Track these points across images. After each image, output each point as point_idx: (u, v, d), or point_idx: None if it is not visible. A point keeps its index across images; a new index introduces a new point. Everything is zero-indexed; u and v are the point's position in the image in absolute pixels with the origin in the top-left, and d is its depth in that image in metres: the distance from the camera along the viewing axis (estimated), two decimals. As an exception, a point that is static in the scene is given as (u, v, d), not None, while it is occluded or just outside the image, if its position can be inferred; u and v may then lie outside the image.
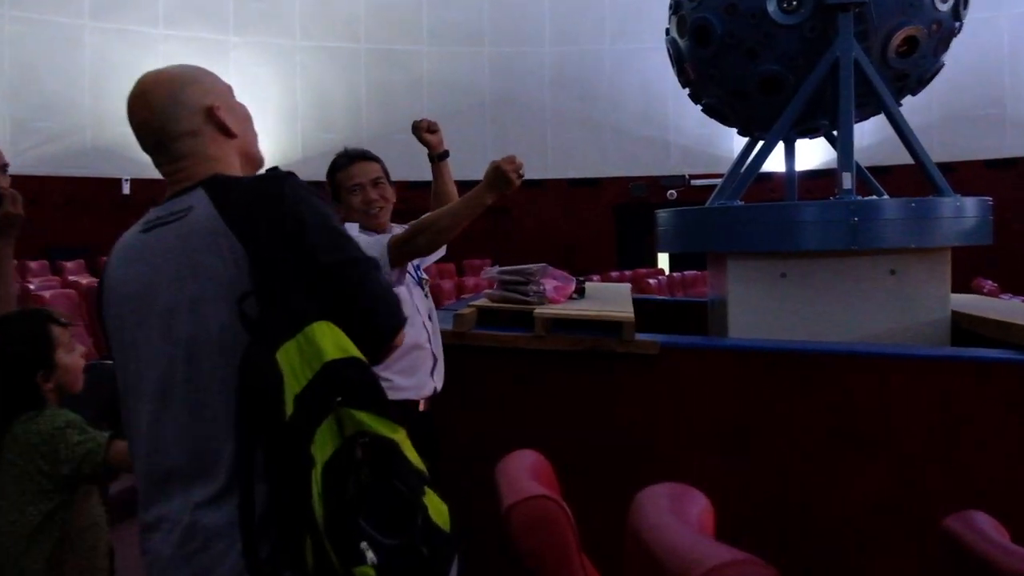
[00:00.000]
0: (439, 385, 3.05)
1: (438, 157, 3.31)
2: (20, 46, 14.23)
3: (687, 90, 4.91)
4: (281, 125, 16.27)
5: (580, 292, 4.21)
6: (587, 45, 17.60)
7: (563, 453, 3.37)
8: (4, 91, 14.41)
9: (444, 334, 3.31)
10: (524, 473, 1.84)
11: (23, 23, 14.26)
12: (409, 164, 17.47)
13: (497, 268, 3.85)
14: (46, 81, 14.32)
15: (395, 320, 1.51)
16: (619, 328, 3.33)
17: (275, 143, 15.95)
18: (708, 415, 3.32)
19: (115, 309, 1.58)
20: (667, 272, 14.94)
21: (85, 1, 14.85)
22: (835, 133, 4.36)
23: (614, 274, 13.74)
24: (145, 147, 1.63)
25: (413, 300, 3.01)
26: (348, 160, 3.01)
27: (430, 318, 3.09)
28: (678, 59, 4.75)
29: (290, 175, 1.52)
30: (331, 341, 1.37)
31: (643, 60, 16.90)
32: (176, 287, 1.47)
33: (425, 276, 3.24)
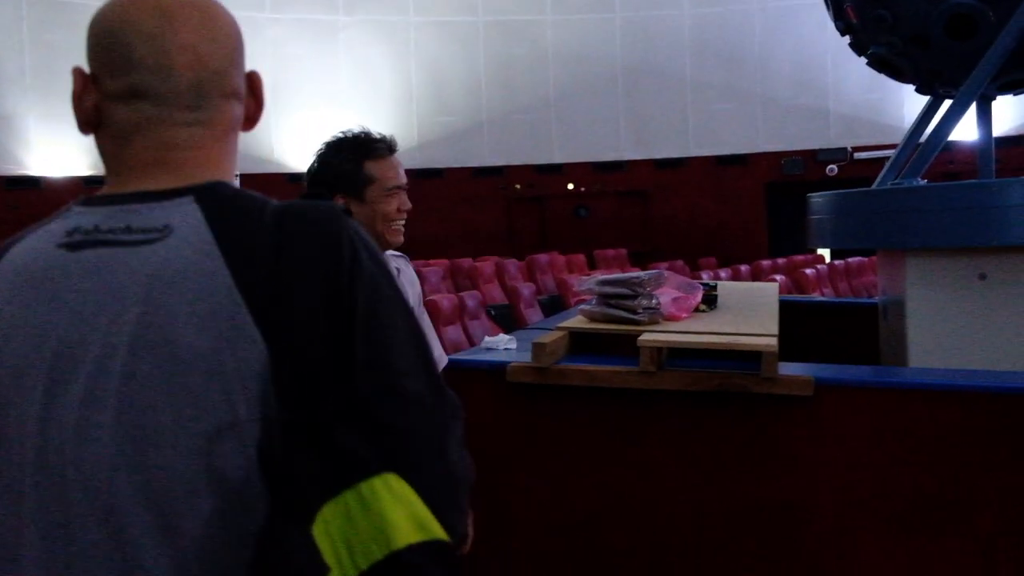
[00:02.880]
0: None
1: None
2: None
3: (847, 39, 4.09)
4: (395, 109, 15.99)
5: (710, 302, 3.48)
6: (732, 5, 16.64)
7: (679, 533, 2.71)
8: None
9: (519, 369, 2.67)
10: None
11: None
12: (533, 147, 17.22)
13: (596, 277, 3.15)
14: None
15: (463, 526, 0.97)
16: (757, 359, 2.61)
17: (389, 130, 15.39)
18: (884, 480, 2.56)
19: None
20: (827, 259, 13.81)
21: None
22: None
23: (765, 263, 12.84)
24: (159, 87, 1.00)
25: None
26: (390, 151, 2.42)
27: None
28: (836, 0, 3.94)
29: (348, 213, 1.00)
30: (404, 511, 0.88)
31: (797, 18, 15.93)
32: (117, 367, 0.91)
33: None
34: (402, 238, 2.43)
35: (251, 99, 1.10)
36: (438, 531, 0.90)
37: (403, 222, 2.41)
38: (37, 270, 0.98)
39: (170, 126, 1.01)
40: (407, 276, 2.52)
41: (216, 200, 0.97)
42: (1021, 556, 2.46)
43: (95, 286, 0.94)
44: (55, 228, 1.00)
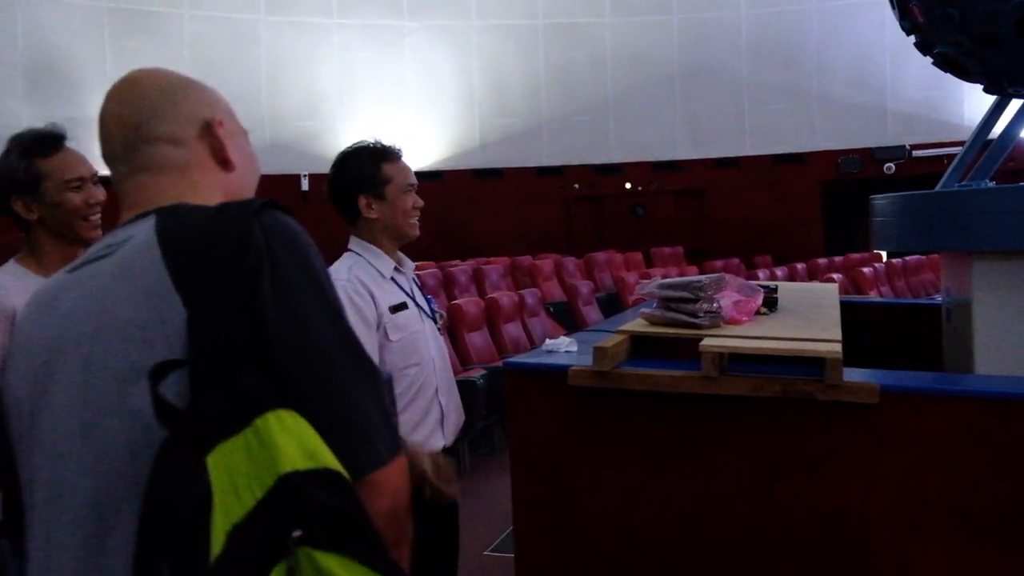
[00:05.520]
0: (449, 441, 2.76)
1: None
2: (200, 46, 14.55)
3: (913, 38, 3.91)
4: (458, 111, 15.97)
5: (770, 304, 3.35)
6: (790, 5, 16.35)
7: (738, 539, 2.60)
8: (186, 91, 14.84)
9: (580, 373, 2.60)
10: None
11: (202, 22, 14.61)
12: (591, 147, 17.08)
13: (657, 280, 3.05)
14: (226, 80, 14.54)
15: (377, 456, 1.10)
16: (820, 363, 2.49)
17: (452, 131, 15.72)
18: (949, 491, 2.42)
19: (13, 378, 1.21)
20: (884, 257, 13.45)
21: (261, -5, 15.04)
22: None
23: (822, 261, 12.56)
24: (107, 152, 1.28)
25: (426, 336, 2.71)
26: (398, 154, 2.68)
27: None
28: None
29: (269, 207, 1.15)
30: (295, 441, 0.97)
31: (855, 17, 15.61)
32: (83, 351, 1.11)
33: (440, 311, 2.90)
34: (418, 231, 2.67)
35: (213, 140, 1.28)
36: (328, 460, 0.98)
37: (418, 217, 2.66)
38: (47, 292, 1.22)
39: (122, 179, 1.25)
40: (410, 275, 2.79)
41: (169, 214, 1.17)
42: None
43: (80, 294, 1.15)
44: (75, 262, 1.24)
